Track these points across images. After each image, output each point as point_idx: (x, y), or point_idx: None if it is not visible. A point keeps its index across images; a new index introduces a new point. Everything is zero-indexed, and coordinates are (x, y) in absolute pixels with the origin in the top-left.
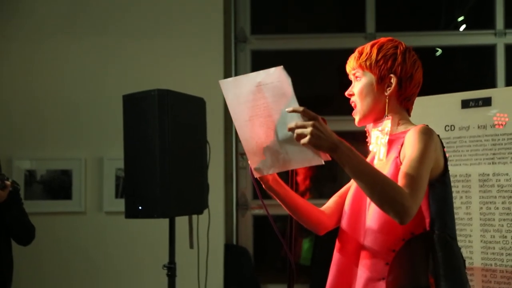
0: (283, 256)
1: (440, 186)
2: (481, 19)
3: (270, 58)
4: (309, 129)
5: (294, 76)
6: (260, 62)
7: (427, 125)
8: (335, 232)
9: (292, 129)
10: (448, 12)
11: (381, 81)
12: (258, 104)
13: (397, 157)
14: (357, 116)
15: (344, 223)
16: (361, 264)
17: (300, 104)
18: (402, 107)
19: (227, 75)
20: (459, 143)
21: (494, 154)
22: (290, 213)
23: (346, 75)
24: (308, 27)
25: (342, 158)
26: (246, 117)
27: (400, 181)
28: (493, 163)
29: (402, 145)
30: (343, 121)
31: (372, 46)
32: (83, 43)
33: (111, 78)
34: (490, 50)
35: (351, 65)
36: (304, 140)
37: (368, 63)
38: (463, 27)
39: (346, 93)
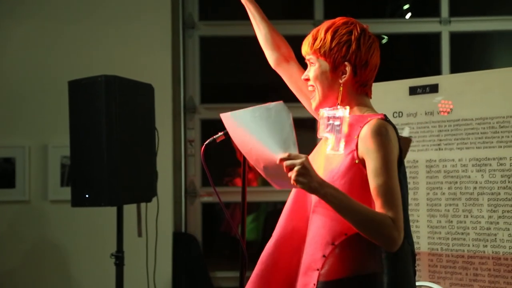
0: (231, 243)
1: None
2: (427, 7)
3: (218, 44)
4: (296, 167)
5: (243, 63)
6: (209, 48)
7: (381, 119)
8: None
9: (282, 160)
10: (394, 0)
11: (335, 69)
12: (253, 138)
13: (354, 150)
14: (314, 102)
15: (293, 195)
16: (305, 251)
17: (250, 91)
18: (359, 93)
19: (175, 61)
20: None
21: (440, 140)
22: (259, 26)
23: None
24: None
25: (326, 196)
26: (247, 147)
27: (378, 204)
28: (439, 149)
29: (358, 138)
30: (291, 108)
31: (326, 31)
32: (26, 27)
33: (56, 63)
34: (435, 38)
35: (305, 49)
36: (292, 178)
37: (322, 51)
38: (408, 15)
39: (302, 77)
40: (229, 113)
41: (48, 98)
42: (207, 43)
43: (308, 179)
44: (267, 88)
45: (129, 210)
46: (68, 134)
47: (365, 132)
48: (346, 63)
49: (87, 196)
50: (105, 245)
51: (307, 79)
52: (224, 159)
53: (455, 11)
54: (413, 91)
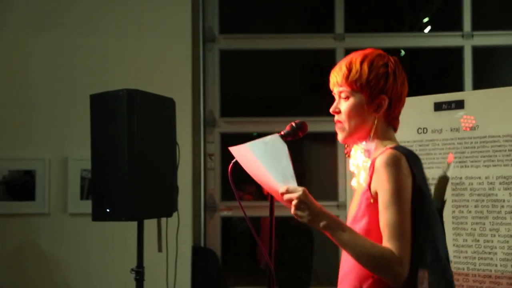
0: (251, 258)
1: (414, 213)
2: (448, 21)
3: (238, 57)
4: (294, 202)
5: (263, 76)
6: (229, 61)
7: (393, 150)
8: (304, 234)
9: (283, 194)
10: (413, 13)
11: (371, 102)
12: (260, 170)
13: (367, 189)
14: (342, 134)
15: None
16: None
17: (269, 104)
18: (389, 126)
19: (195, 74)
20: (432, 146)
21: (466, 157)
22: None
23: (313, 75)
24: (277, 27)
25: (325, 229)
26: (259, 179)
27: (384, 237)
28: (465, 166)
29: (371, 176)
30: (309, 122)
31: (362, 63)
32: (48, 40)
33: (77, 76)
34: (457, 52)
35: (337, 81)
36: (291, 211)
37: (358, 83)
38: (428, 28)
39: (332, 111)
40: (234, 147)
41: (68, 111)
42: (227, 56)
43: (305, 213)
44: (286, 100)
45: (149, 224)
46: (88, 147)
47: (377, 165)
48: (383, 95)
49: (108, 210)
50: (124, 260)
51: (337, 112)
52: (237, 174)
53: (477, 25)
54: (438, 107)
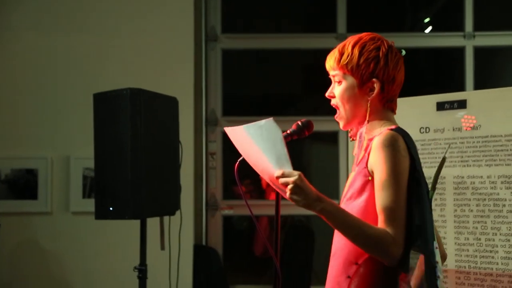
0: (252, 257)
1: (409, 193)
2: (449, 21)
3: (241, 57)
4: (289, 186)
5: (265, 76)
6: (231, 61)
7: (391, 131)
8: (305, 233)
9: (278, 177)
10: (414, 13)
11: (363, 85)
12: (254, 153)
13: (365, 167)
14: (341, 121)
15: None
16: (328, 275)
17: (272, 103)
18: (385, 108)
19: (197, 74)
20: (434, 145)
21: (468, 156)
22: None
23: (315, 74)
24: (279, 26)
25: (321, 213)
26: (252, 161)
27: (380, 218)
28: (467, 165)
29: (368, 154)
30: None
31: (353, 47)
32: (50, 40)
33: (79, 75)
34: (458, 52)
35: (330, 64)
36: (287, 195)
37: (349, 67)
38: (429, 28)
39: (327, 95)
40: (230, 128)
41: (70, 110)
42: (229, 55)
43: (301, 197)
44: (288, 100)
45: (151, 222)
46: (90, 146)
47: (374, 145)
48: (374, 79)
49: (111, 209)
50: (127, 258)
51: (332, 97)
52: (242, 172)
53: (479, 26)
54: (440, 106)
